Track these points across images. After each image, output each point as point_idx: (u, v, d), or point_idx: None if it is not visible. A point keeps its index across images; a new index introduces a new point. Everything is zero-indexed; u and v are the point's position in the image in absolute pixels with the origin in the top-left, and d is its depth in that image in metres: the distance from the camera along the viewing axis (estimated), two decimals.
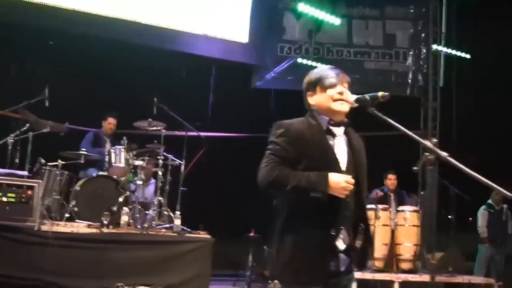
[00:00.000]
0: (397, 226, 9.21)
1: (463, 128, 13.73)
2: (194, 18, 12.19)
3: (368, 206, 9.25)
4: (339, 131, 3.56)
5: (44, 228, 6.85)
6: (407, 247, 9.14)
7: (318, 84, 3.59)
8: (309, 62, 12.92)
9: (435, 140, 3.22)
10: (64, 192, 7.98)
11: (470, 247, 11.39)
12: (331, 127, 3.54)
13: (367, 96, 3.39)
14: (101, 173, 8.22)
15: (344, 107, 3.49)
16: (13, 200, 6.72)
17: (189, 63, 12.49)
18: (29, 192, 6.79)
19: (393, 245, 9.21)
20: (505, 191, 3.03)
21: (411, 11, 13.74)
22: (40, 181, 7.08)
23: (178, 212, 8.04)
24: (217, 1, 12.61)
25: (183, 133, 9.41)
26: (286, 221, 3.48)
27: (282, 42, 13.31)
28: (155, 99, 8.73)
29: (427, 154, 3.23)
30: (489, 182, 2.99)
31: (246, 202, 12.00)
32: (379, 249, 8.98)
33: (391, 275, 8.69)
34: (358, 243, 3.48)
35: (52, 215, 7.58)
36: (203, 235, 7.86)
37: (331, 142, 3.53)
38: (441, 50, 13.40)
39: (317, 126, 3.54)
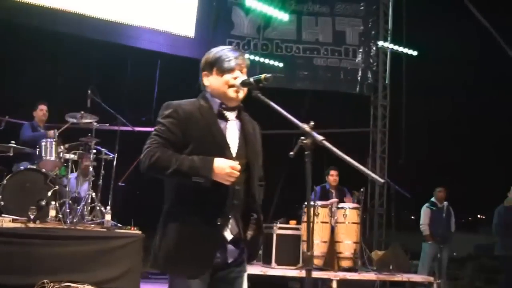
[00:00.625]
0: (337, 224, 9.22)
1: (412, 125, 13.83)
2: (139, 11, 12.04)
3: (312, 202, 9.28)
4: (231, 115, 3.39)
5: None
6: (347, 245, 9.14)
7: (215, 66, 3.40)
8: (258, 58, 12.89)
9: (312, 123, 3.07)
10: None
11: (415, 246, 11.50)
12: (223, 111, 3.37)
13: (251, 79, 3.27)
14: (30, 166, 8.04)
15: (240, 94, 3.33)
16: None
17: (135, 56, 12.38)
18: None
19: (333, 242, 9.24)
20: (374, 175, 2.91)
21: (361, 8, 13.85)
22: None
23: (108, 207, 7.90)
24: None
25: (116, 127, 9.22)
26: (170, 208, 3.33)
27: (231, 37, 13.27)
28: (89, 91, 8.55)
29: (302, 138, 3.08)
30: (362, 167, 2.86)
31: None
32: (318, 247, 8.98)
33: (330, 273, 8.69)
34: (249, 234, 3.33)
35: None
36: (134, 230, 7.74)
37: (222, 126, 3.36)
38: (388, 47, 13.48)
39: (208, 108, 3.37)
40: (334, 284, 8.48)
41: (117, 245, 7.37)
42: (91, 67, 11.84)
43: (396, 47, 13.47)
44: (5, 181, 7.64)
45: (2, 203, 7.47)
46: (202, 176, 3.17)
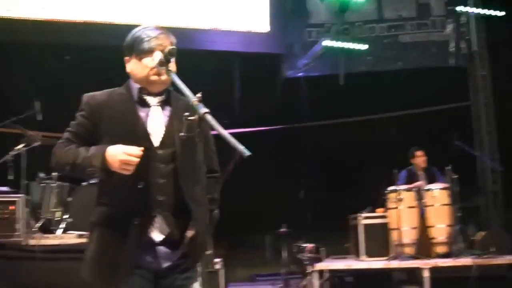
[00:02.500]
0: (426, 207, 8.87)
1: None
2: (210, 14, 12.15)
3: (390, 188, 8.98)
4: (154, 100, 3.12)
5: (32, 242, 7.01)
6: (440, 229, 8.82)
7: (134, 49, 3.12)
8: (340, 44, 12.62)
9: (199, 94, 2.81)
10: (65, 204, 8.10)
11: None
12: (143, 96, 3.12)
13: (162, 57, 3.02)
14: (93, 181, 8.29)
15: (163, 77, 3.05)
16: None
17: (211, 60, 12.50)
18: (12, 207, 6.98)
19: (424, 228, 8.89)
20: (239, 146, 2.60)
21: None
22: (22, 195, 7.24)
23: None
24: None
25: None
26: (94, 211, 3.15)
27: (309, 26, 13.10)
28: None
29: (186, 114, 2.82)
30: (228, 137, 2.63)
31: (277, 197, 11.94)
32: (408, 234, 8.69)
33: (420, 261, 8.35)
34: (187, 234, 3.02)
35: (52, 228, 7.76)
36: None
37: (142, 114, 3.09)
38: (479, 13, 12.72)
39: (126, 95, 3.13)
40: (426, 273, 8.14)
41: None
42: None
43: (488, 11, 12.68)
44: (70, 199, 7.94)
45: (70, 219, 7.75)
46: (93, 166, 2.92)
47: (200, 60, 12.57)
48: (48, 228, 7.83)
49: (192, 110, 2.78)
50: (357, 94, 12.78)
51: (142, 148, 2.93)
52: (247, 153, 2.59)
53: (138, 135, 3.04)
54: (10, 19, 10.93)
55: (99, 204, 3.12)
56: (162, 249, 3.04)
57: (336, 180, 12.97)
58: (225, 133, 2.65)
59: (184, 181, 3.03)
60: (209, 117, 2.72)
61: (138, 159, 2.89)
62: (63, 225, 7.76)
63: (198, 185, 3.15)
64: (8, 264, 6.96)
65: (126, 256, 2.97)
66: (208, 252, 2.78)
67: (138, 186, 2.97)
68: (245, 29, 12.49)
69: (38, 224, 7.69)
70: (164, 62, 3.01)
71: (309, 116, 13.10)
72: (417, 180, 9.44)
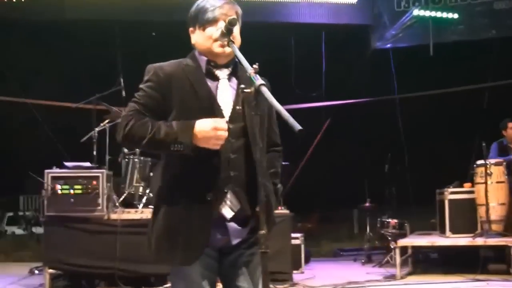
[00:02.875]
0: None
1: None
2: None
3: (479, 162, 8.68)
4: (222, 73, 3.02)
5: (114, 216, 7.25)
6: None
7: (197, 20, 3.04)
8: (430, 13, 12.24)
9: (255, 66, 2.65)
10: (147, 178, 8.30)
11: None
12: (212, 69, 3.02)
13: (223, 28, 2.90)
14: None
15: (227, 49, 2.93)
16: (79, 191, 7.22)
17: (298, 32, 12.44)
18: (94, 182, 7.23)
19: None
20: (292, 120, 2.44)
21: None
22: (105, 170, 7.45)
23: None
24: None
25: None
26: (161, 187, 3.06)
27: None
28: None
29: (242, 86, 2.71)
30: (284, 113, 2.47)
31: (362, 171, 11.80)
32: (495, 210, 8.41)
33: (506, 239, 8.06)
34: (260, 210, 2.70)
35: (134, 202, 8.00)
36: (282, 210, 7.82)
37: (212, 86, 2.99)
38: None
39: (195, 67, 3.02)
40: None
41: None
42: (255, 49, 12.10)
43: None
44: (152, 173, 8.13)
45: (152, 194, 7.94)
46: (181, 143, 2.81)
47: (287, 33, 12.58)
48: (130, 203, 8.08)
49: (249, 82, 2.68)
50: (448, 65, 12.41)
51: (226, 120, 2.88)
52: (298, 127, 2.44)
53: (209, 108, 2.92)
54: None
55: (167, 179, 3.03)
56: (232, 225, 2.94)
57: (423, 153, 12.72)
58: (279, 106, 2.53)
59: (257, 155, 2.84)
60: (264, 89, 2.58)
61: (226, 134, 2.82)
62: (144, 200, 8.00)
63: (265, 160, 3.09)
64: (91, 238, 7.25)
65: (198, 234, 2.88)
66: (262, 232, 2.58)
67: (213, 162, 2.88)
68: (333, 0, 12.32)
69: (121, 199, 7.95)
70: (225, 33, 2.90)
71: (398, 88, 12.83)
72: (508, 154, 9.10)
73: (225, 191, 2.91)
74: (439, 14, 12.18)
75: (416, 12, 11.97)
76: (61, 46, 12.81)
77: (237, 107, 2.97)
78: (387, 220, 9.33)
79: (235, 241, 2.96)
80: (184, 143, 2.81)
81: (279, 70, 12.47)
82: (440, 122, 13.20)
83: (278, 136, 3.28)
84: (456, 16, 12.18)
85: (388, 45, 12.80)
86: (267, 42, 12.18)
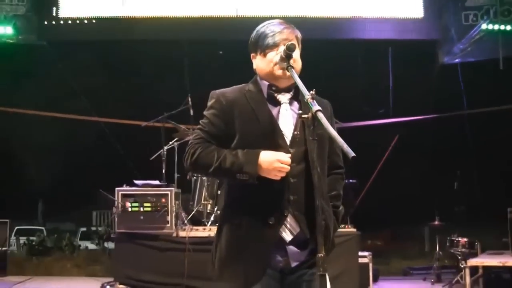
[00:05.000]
0: None
1: None
2: (361, 2, 11.98)
3: None
4: (284, 97, 3.08)
5: (182, 234, 7.35)
6: None
7: (258, 45, 3.11)
8: (499, 27, 11.99)
9: (313, 92, 2.75)
10: (215, 196, 8.38)
11: None
12: (273, 93, 3.09)
13: (282, 53, 3.00)
14: None
15: (288, 73, 2.97)
16: (149, 209, 7.37)
17: (364, 49, 12.37)
18: (163, 200, 7.36)
19: None
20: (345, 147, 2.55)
21: None
22: (173, 188, 7.58)
23: None
24: None
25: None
26: (224, 209, 3.19)
27: (466, 9, 12.49)
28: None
29: (300, 112, 2.81)
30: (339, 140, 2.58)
31: (431, 188, 11.58)
32: None
33: None
34: (318, 233, 2.75)
35: (203, 220, 8.09)
36: (349, 228, 7.76)
37: (273, 111, 3.05)
38: None
39: (256, 93, 3.10)
40: None
41: None
42: (321, 66, 12.09)
43: None
44: (220, 191, 8.21)
45: (219, 212, 8.00)
46: (246, 172, 2.91)
47: (353, 50, 12.53)
48: (198, 220, 8.18)
49: (307, 107, 2.76)
50: None
51: (290, 155, 2.94)
52: (352, 154, 2.53)
53: (273, 135, 3.01)
54: (163, 18, 11.48)
55: (230, 201, 3.14)
56: (291, 248, 3.01)
57: (493, 170, 12.41)
58: (334, 133, 2.63)
59: (315, 179, 2.87)
60: (320, 115, 2.65)
61: (289, 168, 2.91)
62: (212, 217, 8.07)
63: (325, 183, 3.17)
64: (161, 255, 7.37)
65: (261, 256, 2.97)
66: (320, 255, 2.58)
67: (275, 186, 2.94)
68: (398, 16, 12.19)
69: (189, 217, 8.05)
70: (284, 58, 2.98)
71: (467, 104, 12.58)
72: None
73: (285, 214, 2.98)
74: (508, 27, 11.90)
75: (485, 26, 11.72)
76: (131, 65, 13.11)
77: (297, 132, 3.01)
78: (457, 239, 9.12)
79: (294, 264, 3.03)
80: (249, 173, 2.91)
81: (346, 87, 12.45)
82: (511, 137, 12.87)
83: (341, 158, 3.32)
84: None
85: (457, 60, 12.58)
86: (334, 59, 12.18)
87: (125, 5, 11.58)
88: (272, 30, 3.09)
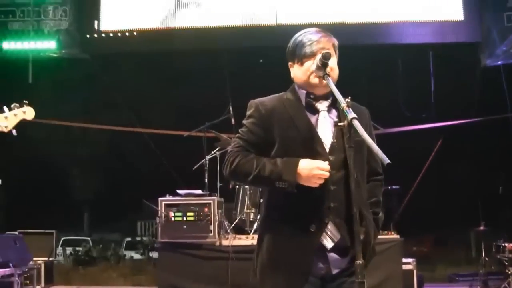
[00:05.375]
0: None
1: None
2: (399, 6, 11.90)
3: None
4: (322, 105, 3.10)
5: (225, 242, 7.40)
6: None
7: (296, 54, 3.14)
8: None
9: (348, 99, 2.78)
10: (258, 205, 8.41)
11: None
12: (311, 102, 3.11)
13: (319, 61, 3.02)
14: None
15: (325, 80, 2.99)
16: (192, 218, 7.46)
17: (404, 53, 12.29)
18: (206, 209, 7.43)
19: None
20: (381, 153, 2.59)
21: None
22: (215, 197, 7.65)
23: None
24: None
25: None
26: (265, 216, 3.21)
27: (508, 10, 12.30)
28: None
29: (336, 120, 2.88)
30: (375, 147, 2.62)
31: (476, 193, 11.42)
32: None
33: None
34: (356, 240, 2.79)
35: (246, 229, 8.13)
36: (392, 235, 7.71)
37: (312, 119, 3.07)
38: None
39: (295, 101, 3.13)
40: None
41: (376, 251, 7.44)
42: (359, 73, 12.06)
43: None
44: (261, 200, 8.22)
45: None
46: (285, 180, 2.93)
47: (393, 54, 12.45)
48: (241, 229, 8.22)
49: (343, 114, 2.79)
50: None
51: (328, 162, 2.95)
52: (387, 161, 2.57)
53: (312, 142, 3.03)
54: (203, 28, 11.60)
55: (271, 209, 3.15)
56: (332, 255, 3.02)
57: None
58: (369, 140, 2.67)
59: (352, 187, 2.89)
60: (356, 123, 2.69)
61: (328, 174, 2.92)
62: (255, 226, 8.10)
63: (365, 190, 3.18)
64: (204, 264, 7.43)
65: (302, 264, 2.98)
66: (359, 262, 2.60)
67: (315, 194, 2.95)
68: (438, 19, 12.07)
69: (232, 225, 8.11)
70: (320, 66, 3.01)
71: (511, 106, 12.38)
72: None
73: (326, 222, 2.99)
74: None
75: None
76: (172, 75, 13.25)
77: (335, 140, 3.03)
78: (503, 244, 8.98)
79: (335, 271, 3.04)
80: (288, 181, 2.93)
81: (387, 93, 12.39)
82: None
83: (379, 165, 3.30)
84: None
85: (499, 62, 12.40)
86: (374, 64, 12.13)
87: (166, 16, 11.74)
88: (309, 39, 3.12)
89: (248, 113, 3.19)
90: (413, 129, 12.55)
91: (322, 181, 2.93)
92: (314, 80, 3.07)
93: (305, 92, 3.14)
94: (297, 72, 3.16)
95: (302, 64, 3.12)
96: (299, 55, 3.12)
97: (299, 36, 3.17)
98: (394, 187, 9.40)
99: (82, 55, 11.92)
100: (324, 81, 3.00)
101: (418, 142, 12.51)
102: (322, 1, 11.81)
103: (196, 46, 11.84)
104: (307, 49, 3.09)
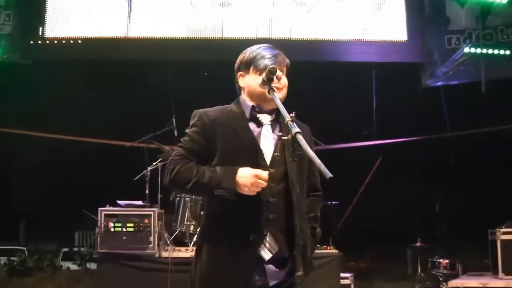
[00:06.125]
0: None
1: None
2: (344, 25, 12.13)
3: None
4: (266, 118, 3.18)
5: (165, 254, 7.40)
6: None
7: (252, 64, 3.21)
8: (481, 50, 12.19)
9: (292, 114, 2.86)
10: (198, 217, 8.42)
11: None
12: (256, 114, 3.18)
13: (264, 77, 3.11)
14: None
15: (279, 95, 3.11)
16: (132, 229, 7.43)
17: (347, 71, 12.51)
18: (146, 220, 7.42)
19: None
20: (323, 168, 2.66)
21: None
22: (156, 209, 7.65)
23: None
24: (366, 2, 12.39)
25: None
26: (203, 227, 3.26)
27: (449, 33, 12.68)
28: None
29: (280, 134, 2.95)
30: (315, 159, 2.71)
31: (410, 211, 11.68)
32: None
33: None
34: (297, 252, 2.85)
35: (186, 241, 8.13)
36: (330, 250, 7.83)
37: (255, 132, 3.13)
38: None
39: (239, 113, 3.20)
40: None
41: (314, 265, 7.54)
42: (305, 88, 12.21)
43: None
44: (202, 212, 8.24)
45: None
46: (224, 188, 2.97)
47: (336, 72, 12.66)
48: (181, 241, 8.22)
49: (287, 129, 2.85)
50: (500, 102, 12.29)
51: (268, 172, 3.00)
52: (329, 175, 2.64)
53: (253, 154, 3.09)
54: (149, 38, 11.60)
55: (209, 220, 3.20)
56: (270, 267, 3.06)
57: (476, 192, 12.54)
58: (312, 154, 2.74)
59: (294, 199, 2.98)
60: (299, 137, 2.75)
61: (266, 183, 2.97)
62: (195, 238, 8.11)
63: (304, 204, 3.24)
64: (143, 275, 7.41)
65: (243, 275, 3.01)
66: (299, 274, 2.66)
67: (253, 204, 3.00)
68: (382, 39, 12.36)
69: (172, 237, 8.10)
70: (265, 81, 3.08)
71: (450, 126, 12.73)
72: None
73: (264, 233, 3.04)
74: (490, 51, 12.11)
75: (467, 49, 11.91)
76: (116, 85, 13.16)
77: (277, 153, 3.10)
78: (438, 260, 9.20)
79: (272, 283, 3.08)
80: (227, 188, 2.97)
81: (329, 109, 12.57)
82: (494, 159, 13.01)
83: (318, 181, 3.40)
84: (508, 52, 12.09)
85: (440, 83, 12.74)
86: (318, 80, 12.29)
87: (111, 25, 11.68)
88: (270, 52, 3.24)
89: (191, 122, 3.24)
90: (354, 146, 12.79)
91: (259, 189, 2.97)
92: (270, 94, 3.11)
93: (250, 104, 3.21)
94: (252, 81, 3.23)
95: (259, 74, 3.18)
96: (260, 65, 3.19)
97: (258, 48, 3.28)
98: (333, 202, 9.57)
99: (24, 61, 11.74)
100: (269, 96, 3.06)
101: (359, 159, 12.72)
102: (268, 17, 11.95)
103: (141, 56, 11.82)
104: (265, 62, 3.18)
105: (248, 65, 3.25)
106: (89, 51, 11.69)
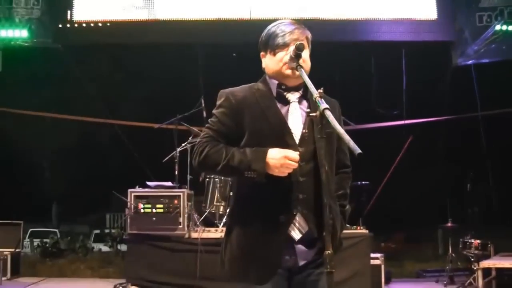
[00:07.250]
0: None
1: None
2: (375, 4, 12.00)
3: None
4: (293, 96, 3.10)
5: (194, 235, 7.43)
6: None
7: (269, 44, 3.14)
8: None
9: (321, 90, 2.77)
10: (227, 198, 8.45)
11: None
12: (282, 92, 3.11)
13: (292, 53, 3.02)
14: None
15: (298, 72, 2.98)
16: (161, 210, 7.47)
17: (378, 51, 12.39)
18: (176, 201, 7.45)
19: None
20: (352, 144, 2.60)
21: None
22: (185, 190, 7.67)
23: None
24: None
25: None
26: (233, 208, 3.22)
27: (480, 10, 12.47)
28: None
29: (308, 111, 2.91)
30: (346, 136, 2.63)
31: (441, 191, 11.57)
32: None
33: None
34: (326, 231, 2.76)
35: (215, 221, 8.17)
36: (360, 230, 7.80)
37: (283, 110, 3.07)
38: None
39: (266, 91, 3.12)
40: None
41: (344, 246, 7.51)
42: (333, 68, 12.14)
43: None
44: (231, 193, 8.27)
45: None
46: (254, 170, 2.92)
47: (367, 51, 12.56)
48: (211, 222, 8.26)
49: (315, 106, 2.79)
50: None
51: (298, 152, 2.94)
52: (358, 151, 2.57)
53: (280, 132, 3.02)
54: (177, 21, 11.59)
55: (240, 201, 3.15)
56: (299, 247, 3.03)
57: (508, 172, 12.37)
58: (341, 130, 2.68)
59: (323, 178, 2.87)
60: (328, 113, 2.68)
61: (296, 164, 2.91)
62: (225, 219, 8.14)
63: (333, 182, 3.19)
64: (173, 256, 7.46)
65: (272, 256, 2.98)
66: (328, 252, 2.63)
67: (283, 185, 2.95)
68: (412, 17, 12.19)
69: (201, 218, 8.14)
70: (293, 58, 3.01)
71: (481, 105, 12.55)
72: None
73: (294, 213, 2.99)
74: None
75: (499, 27, 11.71)
76: (145, 68, 13.20)
77: (306, 131, 3.04)
78: (470, 241, 9.12)
79: (302, 262, 3.05)
80: (257, 170, 2.92)
81: (359, 89, 12.48)
82: None
83: (348, 157, 3.33)
84: None
85: (470, 62, 12.56)
86: (347, 61, 12.21)
87: (139, 8, 11.69)
88: (283, 30, 3.12)
89: (218, 102, 3.17)
90: (384, 126, 12.68)
91: (290, 171, 2.92)
92: (287, 71, 3.07)
93: (276, 82, 3.14)
94: (269, 62, 3.16)
95: (274, 54, 3.12)
96: (272, 45, 3.12)
97: (273, 26, 3.18)
98: (364, 182, 9.51)
99: (54, 45, 11.81)
100: (297, 73, 3.00)
101: (389, 139, 12.63)
102: None
103: (170, 39, 11.82)
104: (280, 40, 3.10)
105: (265, 46, 3.19)
106: (118, 34, 11.73)
